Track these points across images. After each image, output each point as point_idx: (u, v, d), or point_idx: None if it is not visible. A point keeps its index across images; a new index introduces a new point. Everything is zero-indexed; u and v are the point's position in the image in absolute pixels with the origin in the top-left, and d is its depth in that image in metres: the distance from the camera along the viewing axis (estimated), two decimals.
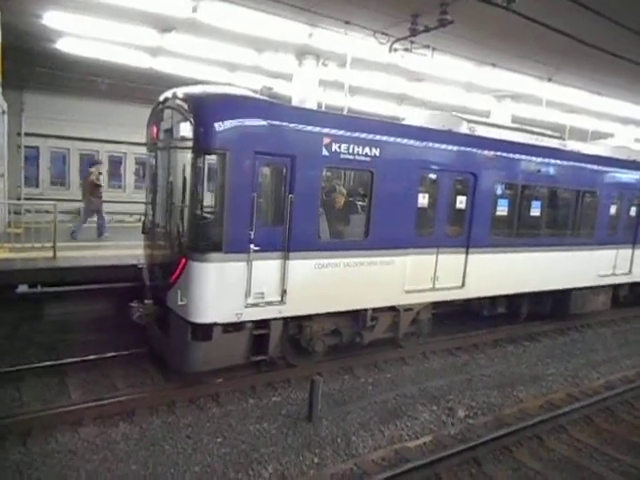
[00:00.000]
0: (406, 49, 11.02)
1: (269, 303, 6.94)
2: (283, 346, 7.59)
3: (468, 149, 8.87)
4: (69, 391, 7.00)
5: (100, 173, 12.11)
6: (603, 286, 11.96)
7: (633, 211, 12.33)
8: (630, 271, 12.40)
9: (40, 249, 9.84)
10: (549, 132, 11.57)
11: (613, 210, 11.77)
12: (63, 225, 11.10)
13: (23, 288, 8.92)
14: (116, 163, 22.14)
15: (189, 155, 6.59)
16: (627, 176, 11.96)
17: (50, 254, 9.57)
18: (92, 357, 7.82)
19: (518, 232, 9.93)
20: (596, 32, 9.63)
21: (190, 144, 6.50)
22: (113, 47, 13.09)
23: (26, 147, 19.46)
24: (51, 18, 10.99)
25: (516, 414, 7.28)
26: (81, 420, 6.21)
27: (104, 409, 6.43)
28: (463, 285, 9.07)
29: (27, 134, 19.09)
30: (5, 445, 5.66)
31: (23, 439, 5.78)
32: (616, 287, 12.49)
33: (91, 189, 12.33)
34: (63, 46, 13.15)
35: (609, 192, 11.54)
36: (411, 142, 8.11)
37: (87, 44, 12.90)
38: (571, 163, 10.67)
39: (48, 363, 7.54)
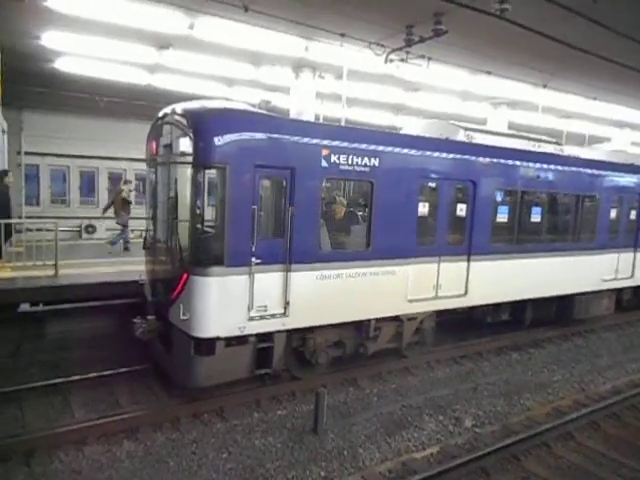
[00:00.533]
0: (402, 59, 11.12)
1: (272, 316, 6.92)
2: (287, 359, 7.55)
3: (466, 157, 8.90)
4: (72, 409, 6.96)
5: (130, 190, 12.75)
6: (606, 290, 11.94)
7: (633, 215, 12.34)
8: (632, 275, 12.38)
9: (42, 267, 9.84)
10: (546, 138, 11.63)
11: (613, 214, 11.78)
12: (64, 243, 11.11)
13: (25, 307, 8.90)
14: (116, 179, 22.22)
15: (189, 170, 6.62)
16: (626, 180, 11.99)
17: (52, 272, 9.57)
18: (95, 374, 7.79)
19: (519, 238, 9.93)
20: (589, 38, 9.73)
21: (190, 159, 6.52)
22: (111, 65, 13.21)
23: (26, 165, 19.57)
24: (49, 38, 11.11)
25: (523, 422, 7.22)
26: (85, 439, 6.16)
27: (108, 427, 6.38)
28: (466, 293, 9.05)
29: (27, 153, 19.22)
30: (8, 466, 5.61)
31: (26, 459, 5.74)
32: (619, 291, 12.46)
33: (123, 205, 13.22)
34: (61, 65, 13.28)
35: (608, 196, 11.56)
36: (410, 151, 8.14)
37: (85, 63, 13.03)
38: (570, 168, 10.70)
39: (51, 381, 7.49)
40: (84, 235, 19.52)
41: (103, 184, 21.83)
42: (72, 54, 12.40)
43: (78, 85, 15.49)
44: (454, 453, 6.23)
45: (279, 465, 5.91)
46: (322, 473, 5.79)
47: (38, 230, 11.19)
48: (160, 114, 7.70)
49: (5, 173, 11.56)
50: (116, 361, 8.20)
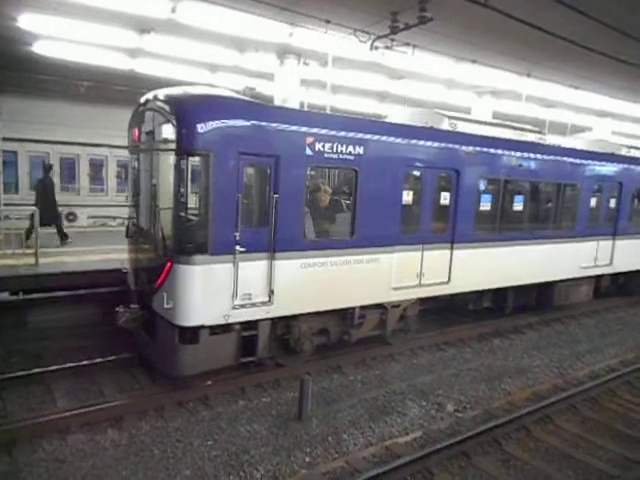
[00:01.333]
0: (387, 47, 11.06)
1: (256, 304, 6.92)
2: (272, 346, 7.58)
3: (450, 145, 8.94)
4: (55, 399, 6.90)
5: None
6: (585, 277, 12.17)
7: (612, 203, 12.56)
8: (611, 262, 12.63)
9: (21, 255, 9.68)
10: (529, 127, 11.72)
11: (593, 202, 11.97)
12: (45, 230, 10.91)
13: (4, 295, 8.78)
14: (97, 166, 21.90)
15: (172, 157, 6.54)
16: (605, 169, 12.16)
17: (32, 260, 9.42)
18: (78, 364, 7.72)
19: (502, 226, 10.05)
20: (572, 27, 9.80)
21: (173, 146, 6.44)
22: (91, 49, 12.92)
23: (4, 152, 19.12)
24: (26, 20, 10.80)
25: (504, 406, 7.38)
26: (68, 428, 6.12)
27: (91, 416, 6.34)
28: (449, 280, 9.15)
29: (5, 139, 18.75)
30: None
31: (8, 449, 5.69)
32: (598, 278, 12.72)
33: None
34: (40, 49, 12.94)
35: (589, 185, 11.73)
36: (394, 140, 8.15)
37: (64, 46, 12.71)
38: (551, 157, 10.81)
39: (32, 371, 7.40)
40: (65, 223, 19.24)
41: (84, 171, 21.47)
42: (51, 37, 12.08)
43: (58, 69, 15.15)
44: (436, 437, 6.34)
45: (264, 451, 5.95)
46: (306, 459, 5.85)
47: (17, 218, 10.98)
48: (142, 100, 7.58)
49: (50, 167, 12.63)
50: (99, 350, 8.15)
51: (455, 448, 6.04)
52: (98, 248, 11.36)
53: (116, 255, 10.06)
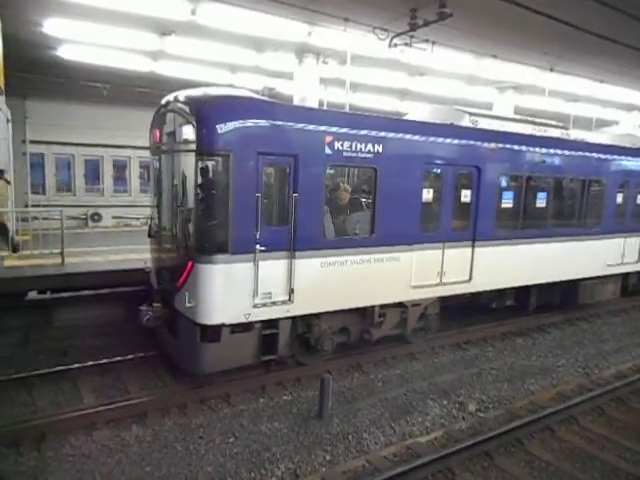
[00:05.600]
0: (406, 44, 10.99)
1: (277, 303, 6.96)
2: (292, 345, 7.62)
3: (471, 142, 8.83)
4: (82, 395, 7.06)
5: None
6: (612, 275, 11.90)
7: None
8: (639, 259, 12.32)
9: (48, 255, 9.91)
10: (552, 122, 11.51)
11: (619, 198, 11.69)
12: (70, 231, 11.17)
13: (33, 295, 9.01)
14: (121, 167, 22.31)
15: (192, 158, 6.62)
16: (633, 163, 11.87)
17: (58, 260, 9.64)
18: (103, 361, 7.88)
19: (524, 224, 9.89)
20: (596, 19, 9.59)
21: (193, 147, 6.52)
22: (114, 52, 13.16)
23: (31, 154, 19.64)
24: (51, 26, 11.06)
25: (527, 406, 7.26)
26: (94, 424, 6.26)
27: (117, 412, 6.48)
28: (470, 279, 9.06)
29: (31, 141, 19.27)
30: (20, 450, 5.72)
31: (37, 444, 5.85)
32: (625, 276, 12.43)
33: None
34: (64, 53, 13.24)
35: (615, 180, 11.47)
36: (414, 137, 8.09)
37: (88, 50, 12.98)
38: (576, 153, 10.60)
39: (60, 368, 7.59)
40: (90, 223, 19.68)
41: (108, 172, 21.92)
42: (75, 41, 12.35)
43: (81, 73, 15.45)
44: (458, 437, 6.28)
45: (285, 449, 5.99)
46: (327, 457, 5.87)
47: (44, 219, 11.25)
48: (163, 102, 7.68)
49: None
50: (123, 348, 8.30)
51: (477, 448, 5.98)
52: (122, 248, 11.57)
53: (139, 255, 10.22)
